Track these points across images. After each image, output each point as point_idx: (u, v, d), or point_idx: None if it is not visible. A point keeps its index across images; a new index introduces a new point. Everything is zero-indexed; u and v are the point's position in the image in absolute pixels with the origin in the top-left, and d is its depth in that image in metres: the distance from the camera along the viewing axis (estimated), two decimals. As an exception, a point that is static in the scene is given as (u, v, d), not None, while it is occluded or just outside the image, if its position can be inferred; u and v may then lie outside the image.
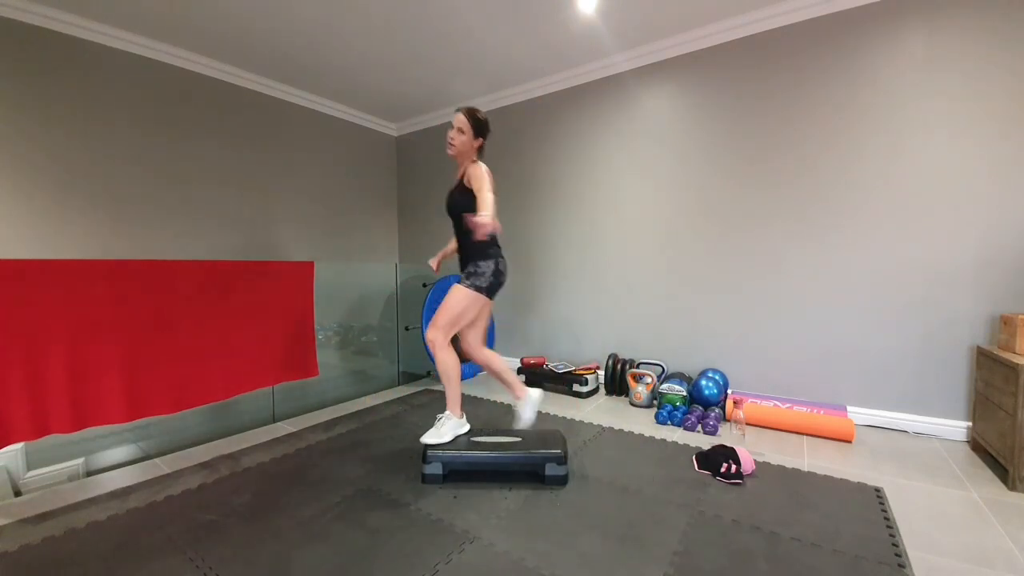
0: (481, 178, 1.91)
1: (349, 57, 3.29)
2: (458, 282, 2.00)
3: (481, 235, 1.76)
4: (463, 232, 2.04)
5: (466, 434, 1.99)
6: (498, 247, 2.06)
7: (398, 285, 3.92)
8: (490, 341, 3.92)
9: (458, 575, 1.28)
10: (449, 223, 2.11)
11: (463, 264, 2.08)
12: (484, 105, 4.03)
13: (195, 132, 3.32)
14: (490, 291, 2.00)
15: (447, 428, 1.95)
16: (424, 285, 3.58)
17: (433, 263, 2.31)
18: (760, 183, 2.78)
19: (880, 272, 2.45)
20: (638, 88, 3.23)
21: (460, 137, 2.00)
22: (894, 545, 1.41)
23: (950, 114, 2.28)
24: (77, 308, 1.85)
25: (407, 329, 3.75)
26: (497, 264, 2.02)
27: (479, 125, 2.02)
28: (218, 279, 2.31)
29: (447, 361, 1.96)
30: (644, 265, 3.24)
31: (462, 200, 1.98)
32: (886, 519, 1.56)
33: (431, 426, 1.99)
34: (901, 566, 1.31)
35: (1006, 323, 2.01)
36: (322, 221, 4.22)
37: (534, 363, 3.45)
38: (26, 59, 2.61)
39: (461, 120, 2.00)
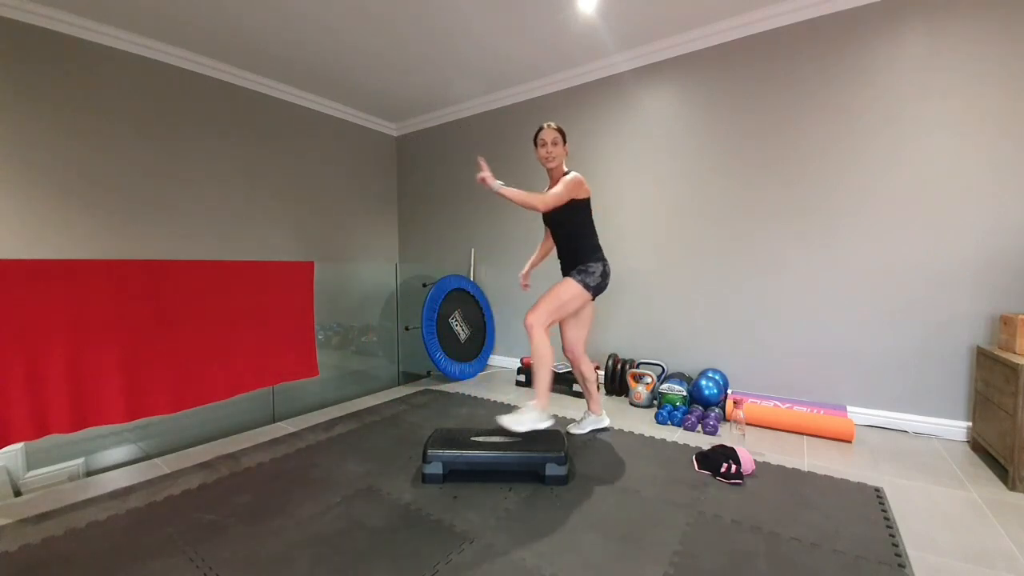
0: (567, 183, 2.05)
1: (349, 57, 3.29)
2: (570, 275, 2.14)
3: (480, 179, 1.92)
4: (564, 239, 2.25)
5: (462, 438, 1.92)
6: (602, 249, 2.23)
7: (398, 285, 3.92)
8: (491, 341, 3.92)
9: (458, 575, 1.28)
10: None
11: (569, 267, 2.22)
12: (484, 105, 4.04)
13: (195, 132, 3.32)
14: (596, 290, 2.15)
15: (528, 418, 1.93)
16: (424, 285, 3.58)
17: (525, 278, 2.48)
18: (760, 183, 2.78)
19: (880, 272, 2.45)
20: (638, 88, 3.23)
21: (556, 149, 2.12)
22: (894, 545, 1.41)
23: (950, 114, 2.28)
24: (77, 308, 1.85)
25: (407, 329, 3.75)
26: (604, 266, 2.18)
27: (565, 134, 2.16)
28: (218, 279, 2.31)
29: (543, 346, 1.99)
30: (644, 265, 3.24)
31: (564, 209, 2.10)
32: (886, 519, 1.56)
33: (432, 426, 1.98)
34: (901, 566, 1.31)
35: (1006, 323, 2.01)
36: (322, 221, 4.22)
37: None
38: (26, 59, 2.61)
39: (554, 134, 2.11)
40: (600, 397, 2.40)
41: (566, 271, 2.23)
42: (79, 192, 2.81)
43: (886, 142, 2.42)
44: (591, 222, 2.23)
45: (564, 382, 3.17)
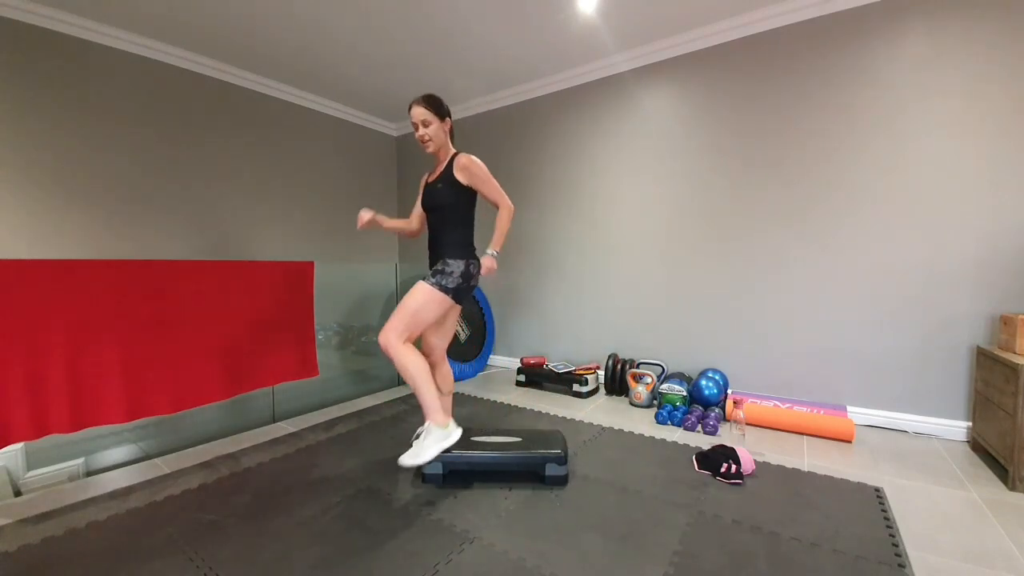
0: (486, 178, 1.84)
1: (349, 57, 3.29)
2: (424, 279, 1.83)
3: (489, 273, 1.84)
4: (437, 227, 1.93)
5: (461, 438, 1.78)
6: (473, 248, 1.92)
7: (398, 285, 3.91)
8: (490, 341, 3.92)
9: (458, 575, 1.28)
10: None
11: (432, 261, 1.93)
12: (483, 105, 4.04)
13: (195, 132, 3.32)
14: (457, 294, 1.81)
15: (429, 442, 1.68)
16: (424, 285, 3.58)
17: (364, 216, 1.98)
18: (761, 183, 2.78)
19: (880, 272, 2.45)
20: (638, 88, 3.23)
21: (428, 129, 1.83)
22: (894, 545, 1.41)
23: (950, 114, 2.28)
24: (77, 308, 1.85)
25: (407, 329, 3.74)
26: (468, 266, 1.84)
27: (439, 104, 1.84)
28: (218, 279, 2.31)
29: (408, 362, 1.70)
30: (644, 265, 3.24)
31: (448, 193, 1.85)
32: (886, 519, 1.56)
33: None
34: (901, 566, 1.30)
35: (1006, 323, 2.01)
36: (322, 221, 4.22)
37: (534, 363, 3.45)
38: (26, 59, 2.61)
39: (420, 112, 1.81)
40: (440, 408, 1.81)
41: (430, 265, 1.94)
42: (79, 192, 2.81)
43: (886, 142, 2.42)
44: (471, 215, 1.93)
45: (564, 382, 3.17)
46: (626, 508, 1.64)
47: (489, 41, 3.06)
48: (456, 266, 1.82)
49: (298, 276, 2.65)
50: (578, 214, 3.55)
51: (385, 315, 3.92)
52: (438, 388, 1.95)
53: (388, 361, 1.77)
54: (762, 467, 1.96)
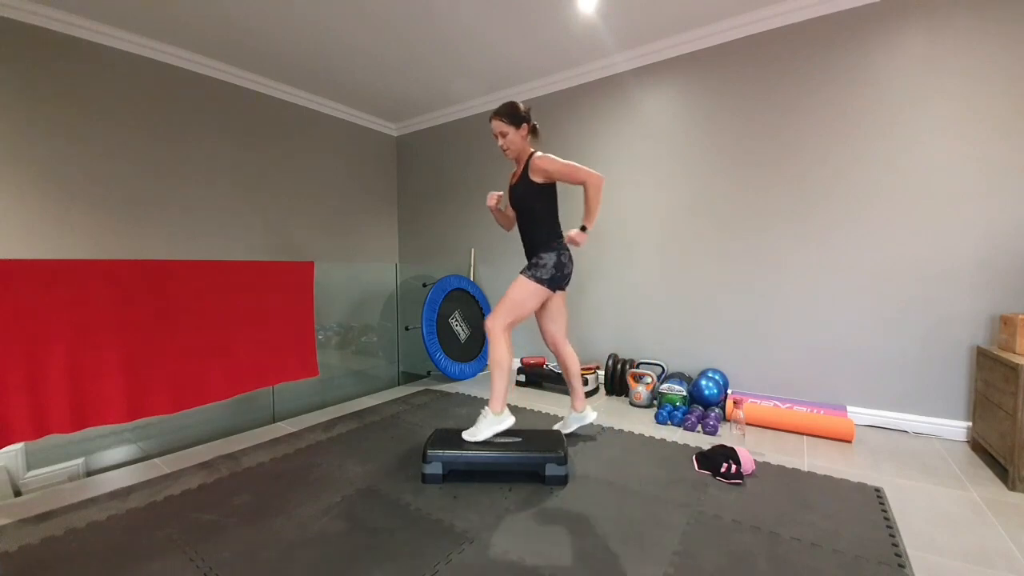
0: (563, 169, 1.94)
1: (349, 57, 3.29)
2: (522, 272, 2.03)
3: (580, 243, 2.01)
4: (525, 224, 2.12)
5: (462, 438, 1.90)
6: (562, 239, 2.09)
7: (398, 285, 3.92)
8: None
9: (458, 575, 1.28)
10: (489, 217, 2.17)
11: (527, 254, 2.12)
12: (484, 105, 4.04)
13: (195, 132, 3.32)
14: (552, 283, 2.01)
15: (484, 425, 1.89)
16: (424, 285, 3.59)
17: (494, 197, 2.21)
18: (760, 183, 2.78)
19: (880, 272, 2.45)
20: (638, 88, 3.23)
21: (506, 140, 2.01)
22: (894, 545, 1.41)
23: (950, 114, 2.28)
24: (77, 308, 1.85)
25: (407, 329, 3.75)
26: (559, 256, 2.03)
27: (514, 113, 2.00)
28: (218, 279, 2.31)
29: (501, 351, 1.92)
30: (644, 265, 3.24)
31: (527, 193, 2.02)
32: (886, 519, 1.56)
33: (432, 426, 1.98)
34: (901, 566, 1.31)
35: (1006, 323, 2.01)
36: (322, 221, 4.22)
37: (534, 363, 3.45)
38: (26, 59, 2.61)
39: (497, 125, 2.01)
40: (583, 393, 2.29)
41: (527, 258, 2.14)
42: (79, 192, 2.81)
43: (886, 142, 2.42)
44: (554, 208, 2.10)
45: (563, 382, 3.16)
46: (626, 508, 1.64)
47: (489, 41, 3.06)
48: (549, 258, 2.01)
49: (298, 276, 2.65)
50: (578, 214, 3.53)
51: (385, 315, 3.94)
52: (568, 372, 2.24)
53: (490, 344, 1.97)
54: (762, 467, 1.96)
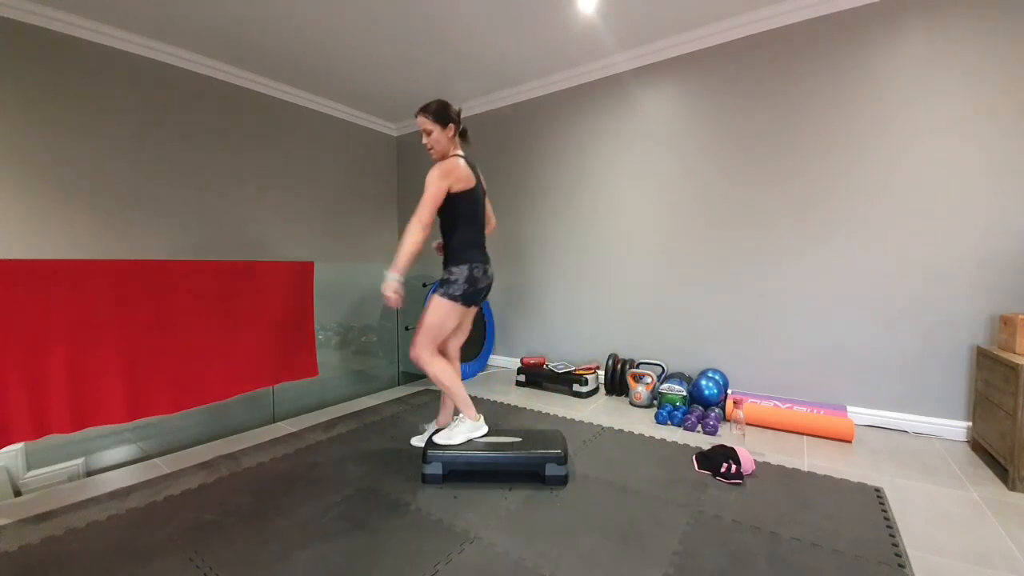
0: (426, 186, 1.76)
1: (349, 57, 3.29)
2: (435, 291, 1.90)
3: (386, 300, 1.75)
4: (443, 231, 1.99)
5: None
6: (477, 249, 1.94)
7: (398, 285, 3.90)
8: (489, 341, 3.92)
9: (458, 575, 1.28)
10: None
11: (443, 266, 1.99)
12: (483, 105, 4.04)
13: (195, 132, 3.32)
14: (466, 299, 1.88)
15: (460, 430, 1.90)
16: (424, 285, 3.58)
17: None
18: (760, 183, 2.78)
19: (880, 272, 2.45)
20: (638, 88, 3.23)
21: (430, 138, 1.88)
22: (894, 545, 1.41)
23: (950, 114, 2.28)
24: (77, 308, 1.85)
25: (407, 329, 3.75)
26: (471, 270, 1.87)
27: (441, 111, 1.87)
28: (218, 279, 2.31)
29: (439, 371, 1.90)
30: (644, 265, 3.24)
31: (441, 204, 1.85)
32: (886, 519, 1.56)
33: (432, 426, 1.98)
34: (901, 566, 1.31)
35: (1006, 323, 2.01)
36: (322, 221, 4.22)
37: (534, 363, 3.45)
38: (26, 59, 2.61)
39: (421, 121, 1.88)
40: (451, 409, 2.10)
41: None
42: (79, 192, 2.81)
43: (886, 142, 2.42)
44: (464, 217, 1.91)
45: (564, 382, 3.16)
46: (626, 508, 1.64)
47: (489, 41, 3.06)
48: (460, 272, 1.88)
49: (298, 276, 2.65)
50: (578, 214, 3.55)
51: (385, 315, 3.94)
52: (447, 385, 2.05)
53: (420, 371, 1.97)
54: (762, 467, 1.96)
